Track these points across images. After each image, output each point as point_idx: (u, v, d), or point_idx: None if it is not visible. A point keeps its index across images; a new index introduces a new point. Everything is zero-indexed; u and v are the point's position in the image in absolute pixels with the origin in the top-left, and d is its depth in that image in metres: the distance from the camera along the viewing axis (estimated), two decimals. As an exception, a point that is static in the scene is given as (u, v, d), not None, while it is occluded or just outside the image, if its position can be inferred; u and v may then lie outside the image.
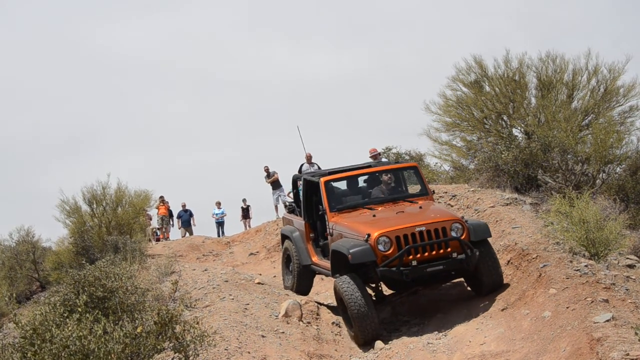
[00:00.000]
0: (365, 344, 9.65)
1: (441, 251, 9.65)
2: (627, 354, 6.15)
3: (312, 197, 11.63)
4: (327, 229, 10.87)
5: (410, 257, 9.55)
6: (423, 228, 9.64)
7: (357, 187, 11.71)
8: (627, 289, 8.31)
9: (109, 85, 72.19)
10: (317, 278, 12.52)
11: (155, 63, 76.75)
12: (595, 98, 20.78)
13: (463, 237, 9.74)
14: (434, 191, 11.68)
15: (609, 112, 20.53)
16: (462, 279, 10.87)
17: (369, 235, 9.65)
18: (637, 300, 7.77)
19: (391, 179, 11.50)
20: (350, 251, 9.62)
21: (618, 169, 16.01)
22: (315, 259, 11.62)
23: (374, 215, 10.44)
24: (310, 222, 11.74)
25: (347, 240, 10.04)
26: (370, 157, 15.55)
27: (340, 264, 10.12)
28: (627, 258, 10.20)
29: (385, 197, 11.18)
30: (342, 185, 11.75)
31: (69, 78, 75.05)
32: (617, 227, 10.11)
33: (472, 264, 9.77)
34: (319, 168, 16.96)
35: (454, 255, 9.66)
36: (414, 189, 11.91)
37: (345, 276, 9.82)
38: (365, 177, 11.79)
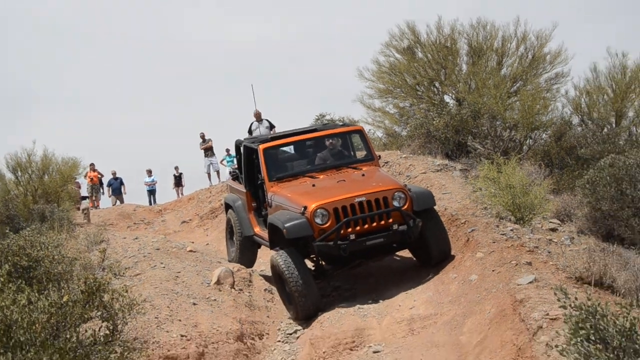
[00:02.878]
0: (306, 319, 9.31)
1: (382, 222, 9.23)
2: (547, 314, 6.36)
3: (253, 165, 11.06)
4: (266, 200, 10.44)
5: (349, 230, 9.14)
6: (363, 198, 9.19)
7: (303, 151, 11.15)
8: (549, 252, 8.56)
9: (33, 48, 69.81)
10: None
11: (83, 26, 74.57)
12: (523, 65, 21.27)
13: (405, 207, 9.31)
14: (380, 156, 11.21)
15: (536, 79, 21.06)
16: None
17: (305, 207, 9.23)
18: (558, 263, 8.03)
19: (335, 144, 10.94)
20: (286, 225, 9.20)
21: (544, 135, 16.47)
22: (257, 229, 11.11)
23: (314, 185, 9.96)
24: (251, 191, 11.24)
25: (283, 213, 9.62)
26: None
27: (278, 237, 9.65)
28: (550, 222, 10.50)
29: (329, 164, 10.64)
30: (288, 147, 11.20)
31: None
32: (541, 192, 10.39)
33: (414, 235, 9.34)
34: (270, 124, 16.53)
35: (395, 226, 9.23)
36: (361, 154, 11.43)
37: (282, 251, 9.39)
38: (310, 141, 11.13)
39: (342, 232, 9.13)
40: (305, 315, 9.31)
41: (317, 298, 9.35)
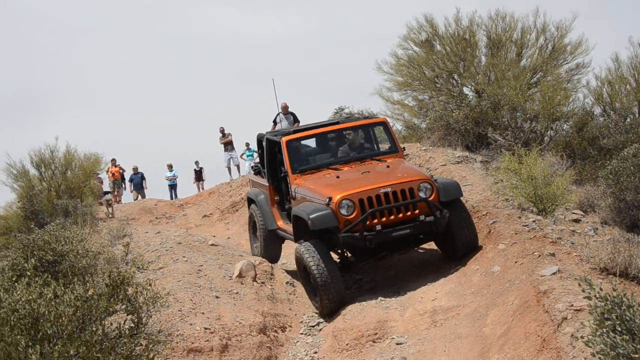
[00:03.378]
0: (331, 314, 9.17)
1: (408, 214, 9.09)
2: (572, 305, 6.33)
3: (275, 158, 10.98)
4: (290, 192, 10.34)
5: (375, 221, 9.00)
6: (389, 189, 9.05)
7: (326, 145, 11.03)
8: (572, 243, 8.51)
9: (55, 47, 70.38)
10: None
11: (104, 24, 75.06)
12: (543, 56, 21.10)
13: (432, 197, 9.18)
14: (404, 148, 11.15)
15: (556, 70, 20.91)
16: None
17: (330, 198, 9.10)
18: (581, 254, 7.97)
19: (357, 137, 10.82)
20: (311, 217, 9.06)
21: (565, 125, 16.36)
22: (280, 223, 11.00)
23: (338, 177, 9.86)
24: (274, 184, 11.12)
25: (308, 205, 9.49)
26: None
27: (303, 230, 9.54)
28: (573, 213, 10.45)
29: (352, 156, 10.54)
30: (311, 142, 11.15)
31: (11, 38, 72.90)
32: (563, 183, 10.33)
33: (441, 226, 9.18)
34: (295, 118, 16.46)
35: (422, 217, 9.09)
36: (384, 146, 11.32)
37: (307, 242, 9.25)
38: (333, 134, 11.02)
39: (367, 223, 9.00)
40: (330, 308, 9.19)
41: (342, 290, 9.26)
